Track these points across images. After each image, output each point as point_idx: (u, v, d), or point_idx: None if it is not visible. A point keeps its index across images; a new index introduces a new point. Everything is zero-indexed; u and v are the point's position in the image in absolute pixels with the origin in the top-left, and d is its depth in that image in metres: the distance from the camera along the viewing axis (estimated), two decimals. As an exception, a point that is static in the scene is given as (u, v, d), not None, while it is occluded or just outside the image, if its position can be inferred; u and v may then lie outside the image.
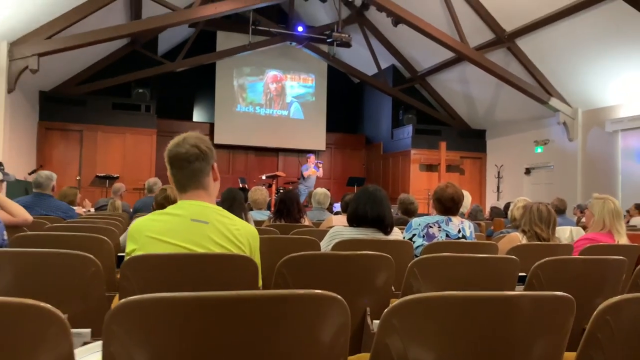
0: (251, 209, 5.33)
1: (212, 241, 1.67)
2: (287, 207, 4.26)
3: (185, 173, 1.72)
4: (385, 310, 1.02)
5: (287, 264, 1.77)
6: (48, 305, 0.88)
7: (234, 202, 3.73)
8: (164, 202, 3.46)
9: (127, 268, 1.62)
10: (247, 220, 4.05)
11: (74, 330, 1.59)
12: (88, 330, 1.50)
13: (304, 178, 11.34)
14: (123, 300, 0.94)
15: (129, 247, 1.71)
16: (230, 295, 0.95)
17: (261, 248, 1.93)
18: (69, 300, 1.69)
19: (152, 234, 1.67)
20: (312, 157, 11.69)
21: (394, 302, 1.05)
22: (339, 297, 1.00)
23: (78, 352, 1.26)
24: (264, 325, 0.98)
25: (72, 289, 1.70)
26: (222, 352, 0.97)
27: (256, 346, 0.98)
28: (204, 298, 0.94)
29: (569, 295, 1.11)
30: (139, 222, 1.73)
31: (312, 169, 11.34)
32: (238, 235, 1.73)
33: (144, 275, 1.59)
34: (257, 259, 1.77)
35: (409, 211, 4.92)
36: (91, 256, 1.69)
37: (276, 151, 14.31)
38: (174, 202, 1.80)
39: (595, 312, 1.16)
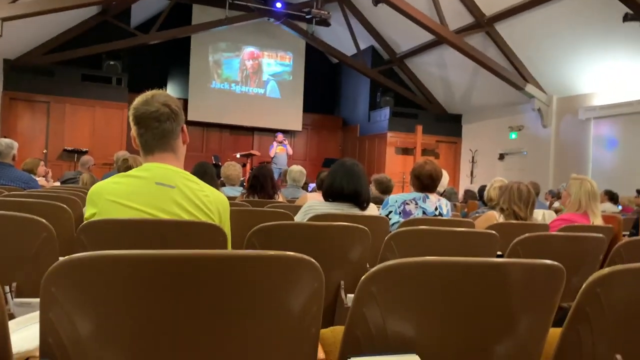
0: (224, 185, 5.21)
1: (177, 207, 1.56)
2: (261, 183, 4.18)
3: (155, 133, 1.60)
4: (363, 276, 0.93)
5: (258, 233, 1.68)
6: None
7: (205, 175, 3.64)
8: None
9: (83, 233, 1.49)
10: None
11: (20, 300, 1.46)
12: (37, 300, 1.37)
13: (272, 159, 11.37)
14: (64, 258, 0.82)
15: (88, 212, 1.59)
16: (188, 254, 0.84)
17: (232, 220, 1.85)
18: (17, 267, 1.55)
19: (112, 197, 1.55)
20: (280, 136, 11.64)
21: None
22: (312, 260, 0.91)
23: (19, 321, 1.13)
24: (226, 289, 0.87)
25: (21, 255, 1.56)
26: (178, 319, 0.86)
27: (218, 312, 0.88)
28: (157, 257, 0.83)
29: (560, 265, 1.04)
30: (98, 185, 1.61)
31: (280, 147, 11.37)
32: (207, 202, 1.62)
33: (100, 242, 1.47)
34: (227, 229, 1.67)
35: (386, 189, 4.87)
36: (42, 220, 1.55)
37: (251, 130, 14.11)
38: None
39: (584, 285, 1.08)
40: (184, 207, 1.57)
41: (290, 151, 11.79)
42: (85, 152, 10.22)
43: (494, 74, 9.98)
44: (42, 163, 5.81)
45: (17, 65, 10.29)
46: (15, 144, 4.34)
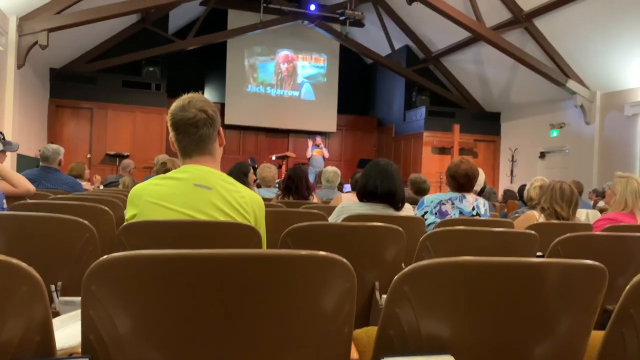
0: (259, 186, 5.27)
1: (215, 208, 1.59)
2: (296, 184, 4.22)
3: (193, 139, 1.63)
4: (397, 275, 0.92)
5: (292, 234, 1.70)
6: (18, 262, 0.78)
7: (241, 175, 3.69)
8: (165, 175, 3.46)
9: (123, 234, 1.54)
10: None
11: (65, 298, 1.52)
12: (79, 298, 1.42)
13: (308, 161, 11.55)
14: (103, 257, 0.84)
15: (129, 213, 1.63)
16: (224, 253, 0.86)
17: (267, 221, 1.87)
18: (62, 267, 1.61)
19: (152, 198, 1.59)
20: (318, 139, 11.87)
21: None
22: (343, 260, 0.91)
23: (63, 319, 1.18)
24: (259, 288, 0.88)
25: (65, 255, 1.62)
26: (213, 317, 0.87)
27: (251, 310, 0.89)
28: (193, 256, 0.85)
29: (602, 265, 1.00)
30: (139, 187, 1.65)
31: (317, 149, 11.57)
32: (243, 203, 1.64)
33: (139, 242, 1.51)
34: (262, 230, 1.69)
35: (421, 190, 4.81)
36: (85, 221, 1.61)
37: (287, 132, 14.21)
38: None
39: (628, 286, 1.04)
40: (221, 208, 1.59)
41: (327, 154, 11.91)
42: (127, 156, 10.54)
43: (534, 71, 9.72)
44: (87, 168, 6.02)
45: (62, 74, 10.71)
46: (62, 150, 4.52)
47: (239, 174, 3.83)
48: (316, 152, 11.68)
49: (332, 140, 14.73)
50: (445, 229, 1.94)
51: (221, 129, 1.72)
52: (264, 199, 4.44)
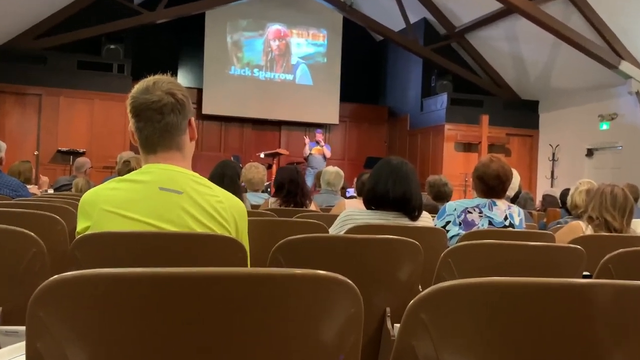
0: (245, 191, 5.28)
1: (187, 216, 1.59)
2: (287, 189, 4.25)
3: (157, 128, 1.63)
4: (412, 300, 0.92)
5: (284, 249, 1.71)
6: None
7: (223, 178, 3.71)
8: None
9: (78, 249, 1.54)
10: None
11: (6, 328, 1.52)
12: (24, 327, 1.42)
13: (306, 160, 11.63)
14: (54, 277, 0.84)
15: (80, 225, 1.63)
16: (200, 272, 0.85)
17: (254, 233, 1.89)
18: (3, 289, 1.61)
19: (109, 206, 1.59)
20: (319, 134, 11.96)
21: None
22: (348, 280, 0.91)
23: (4, 353, 1.17)
24: (245, 314, 0.88)
25: (7, 275, 1.61)
26: (188, 349, 0.87)
27: (234, 341, 0.89)
28: (163, 276, 0.85)
29: (663, 287, 1.00)
30: (92, 192, 1.65)
31: (318, 147, 11.65)
32: (221, 209, 1.65)
33: (97, 259, 1.52)
34: (245, 242, 1.69)
35: (442, 195, 4.83)
36: (31, 233, 1.61)
37: (278, 125, 14.25)
38: None
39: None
40: (194, 217, 1.60)
41: (329, 152, 11.97)
42: (82, 154, 10.53)
43: (579, 50, 9.74)
44: (32, 167, 6.01)
45: (4, 52, 10.71)
46: (3, 145, 4.52)
47: (227, 178, 3.82)
48: (315, 151, 11.75)
49: (334, 134, 14.76)
50: (471, 242, 1.94)
51: (193, 119, 1.73)
52: (252, 207, 4.50)
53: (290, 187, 4.26)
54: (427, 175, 12.05)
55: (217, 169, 4.05)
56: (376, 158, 12.08)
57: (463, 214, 2.98)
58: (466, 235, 2.60)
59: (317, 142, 11.91)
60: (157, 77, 1.67)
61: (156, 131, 1.63)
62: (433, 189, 4.89)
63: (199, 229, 1.60)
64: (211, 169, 4.14)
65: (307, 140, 11.96)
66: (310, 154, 11.79)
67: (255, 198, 4.92)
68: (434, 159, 12.84)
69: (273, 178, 9.81)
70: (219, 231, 1.63)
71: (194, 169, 1.72)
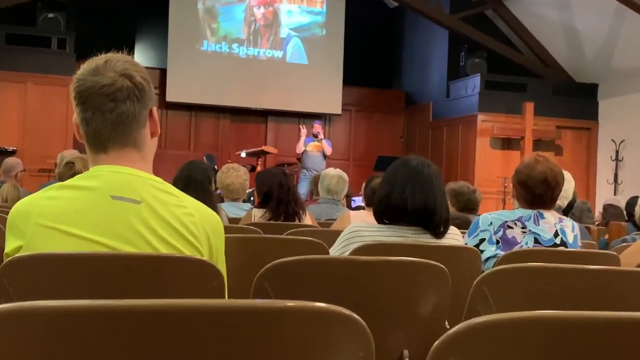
0: (222, 200, 5.28)
1: (146, 233, 1.59)
2: (279, 196, 4.25)
3: (109, 119, 1.63)
4: (437, 341, 0.92)
5: (272, 274, 1.71)
6: None
7: (189, 183, 3.73)
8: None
9: (6, 276, 1.53)
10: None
11: None
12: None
13: (299, 160, 11.72)
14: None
15: (9, 245, 1.63)
16: (166, 305, 0.85)
17: (233, 254, 1.91)
18: None
19: (46, 220, 1.58)
20: (317, 126, 11.98)
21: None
22: (354, 315, 0.91)
23: None
24: (224, 357, 0.88)
25: None
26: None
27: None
28: (119, 309, 0.85)
29: None
30: (24, 203, 1.65)
31: (316, 142, 11.69)
32: (190, 224, 1.65)
33: (31, 289, 1.51)
34: (221, 266, 1.69)
35: (469, 205, 4.83)
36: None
37: (264, 115, 14.28)
38: None
39: None
40: (156, 233, 1.59)
41: (329, 149, 11.95)
42: (12, 153, 10.50)
43: (649, 19, 9.77)
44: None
45: None
46: None
47: (194, 183, 3.83)
48: (313, 147, 11.75)
49: (336, 127, 14.80)
50: (512, 266, 1.95)
51: (155, 109, 1.73)
52: (230, 220, 4.49)
53: (281, 194, 4.28)
54: (456, 179, 12.05)
55: (181, 171, 4.06)
56: (390, 158, 12.05)
57: (501, 229, 2.98)
58: (506, 257, 2.60)
59: (315, 136, 11.91)
60: (110, 55, 1.67)
61: (108, 123, 1.63)
62: (459, 197, 4.88)
63: (162, 249, 1.60)
64: (177, 172, 4.15)
65: (303, 133, 11.99)
66: (305, 151, 11.78)
67: (235, 209, 4.92)
68: (463, 159, 12.87)
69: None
70: (187, 252, 1.63)
71: (155, 172, 1.73)
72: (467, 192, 4.94)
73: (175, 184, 3.72)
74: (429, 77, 14.42)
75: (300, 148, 11.85)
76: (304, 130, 12.00)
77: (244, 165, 5.98)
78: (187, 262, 1.59)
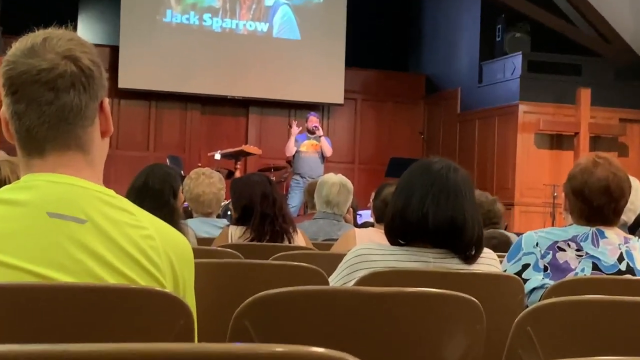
0: (190, 216, 5.27)
1: (91, 260, 1.58)
2: (262, 210, 4.25)
3: (47, 114, 1.63)
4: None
5: (255, 310, 1.71)
6: None
7: (145, 194, 3.73)
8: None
9: None
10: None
11: None
12: None
13: (290, 164, 11.86)
14: None
15: None
16: (121, 350, 0.85)
17: (206, 285, 1.94)
18: None
19: (-39, 244, 1.58)
20: (313, 118, 11.87)
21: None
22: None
23: None
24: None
25: None
26: None
27: None
28: (59, 355, 0.84)
29: None
30: None
31: (312, 141, 11.66)
32: (149, 248, 1.64)
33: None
34: (189, 299, 1.69)
35: (490, 218, 4.84)
36: None
37: (244, 105, 14.31)
38: None
39: None
40: (105, 260, 1.58)
41: (329, 149, 11.86)
42: None
43: None
44: None
45: None
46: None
47: (151, 194, 3.82)
48: (308, 147, 11.69)
49: (337, 120, 14.84)
50: (565, 299, 1.95)
51: (107, 101, 1.72)
52: (201, 241, 4.47)
53: (264, 208, 4.27)
54: (491, 188, 12.09)
55: (137, 179, 4.04)
56: (406, 160, 12.04)
57: (551, 251, 2.97)
58: (556, 288, 2.59)
59: (311, 133, 11.86)
60: (49, 31, 1.66)
61: (45, 119, 1.62)
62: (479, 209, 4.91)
63: (111, 280, 1.59)
64: (134, 174, 4.15)
65: (294, 128, 11.92)
66: (297, 152, 11.74)
67: (206, 227, 4.91)
68: (501, 162, 12.92)
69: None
70: (145, 283, 1.62)
71: (104, 180, 1.72)
72: (486, 203, 4.94)
73: (129, 196, 3.71)
74: (456, 56, 14.47)
75: (291, 149, 11.74)
76: (295, 127, 11.93)
77: (218, 170, 5.96)
78: (144, 296, 1.58)
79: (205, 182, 5.12)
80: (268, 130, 14.20)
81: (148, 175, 4.02)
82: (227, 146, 12.24)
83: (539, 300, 2.54)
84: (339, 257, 2.93)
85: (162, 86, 13.57)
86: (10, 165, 4.05)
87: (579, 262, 2.95)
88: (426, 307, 1.86)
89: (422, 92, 15.27)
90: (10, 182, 1.73)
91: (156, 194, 3.87)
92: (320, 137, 11.89)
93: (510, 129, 12.71)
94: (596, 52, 13.13)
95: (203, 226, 4.90)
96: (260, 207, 4.27)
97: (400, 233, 2.68)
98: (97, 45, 1.68)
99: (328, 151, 11.92)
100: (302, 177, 11.37)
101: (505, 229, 10.48)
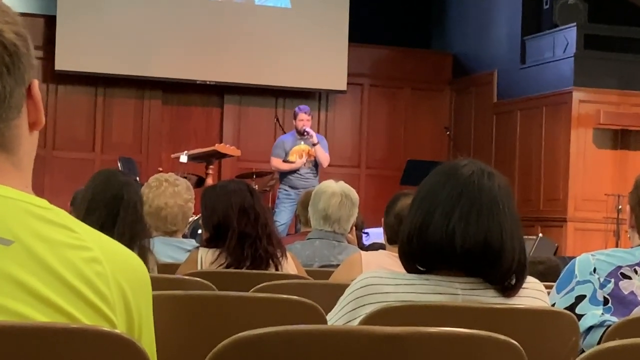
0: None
1: (19, 290, 1.58)
2: (241, 229, 4.25)
3: None
4: None
5: (232, 355, 1.70)
6: None
7: (118, 209, 3.74)
8: None
9: None
10: (143, 260, 4.03)
11: None
12: None
13: (283, 175, 11.87)
14: None
15: None
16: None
17: (168, 323, 1.96)
18: None
19: None
20: (303, 114, 11.83)
21: None
22: None
23: None
24: None
25: None
26: None
27: None
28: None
29: None
30: None
31: (303, 144, 11.66)
32: (94, 275, 1.63)
33: None
34: (147, 341, 1.68)
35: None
36: None
37: (219, 92, 14.33)
38: None
39: None
40: (36, 292, 1.58)
41: (327, 158, 11.88)
42: None
43: None
44: None
45: None
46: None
47: (129, 208, 3.84)
48: (298, 153, 11.67)
49: (339, 112, 14.87)
50: (632, 342, 1.94)
51: (37, 83, 1.71)
52: (163, 268, 4.46)
53: (243, 225, 4.28)
54: (537, 198, 12.12)
55: (101, 187, 4.02)
56: (427, 163, 12.05)
57: (612, 279, 2.97)
58: (621, 326, 2.58)
59: (301, 134, 11.90)
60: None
61: None
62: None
63: (44, 318, 1.59)
64: (76, 189, 4.15)
65: (298, 162, 11.79)
66: (286, 162, 11.71)
67: (170, 250, 4.89)
68: (549, 165, 13.01)
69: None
70: (89, 321, 1.62)
71: (36, 189, 1.72)
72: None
73: (75, 205, 3.71)
74: (491, 30, 14.54)
75: (278, 161, 11.78)
76: (300, 160, 11.81)
77: (185, 176, 5.95)
78: (87, 337, 1.57)
79: (169, 191, 5.09)
80: (248, 124, 14.21)
81: (118, 186, 4.00)
82: (196, 146, 12.26)
83: (599, 343, 2.54)
84: (341, 288, 2.93)
85: (111, 68, 13.61)
86: None
87: (650, 292, 2.97)
88: (453, 351, 1.86)
89: (449, 76, 15.32)
90: None
91: (131, 210, 3.87)
92: (316, 144, 11.87)
93: (562, 123, 12.77)
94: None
95: (165, 249, 4.86)
96: (237, 224, 4.28)
97: (419, 257, 2.66)
98: (25, 15, 1.67)
99: (325, 161, 11.98)
100: (293, 189, 11.34)
101: (555, 253, 10.60)
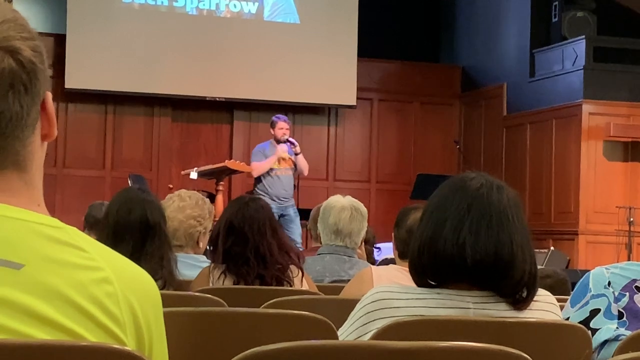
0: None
1: (26, 315, 1.57)
2: (255, 245, 4.25)
3: None
4: None
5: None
6: None
7: (147, 234, 3.80)
8: None
9: None
10: (171, 277, 4.10)
11: None
12: None
13: (259, 181, 11.82)
14: None
15: None
16: None
17: (178, 340, 1.97)
18: None
19: None
20: (282, 123, 11.82)
21: None
22: None
23: None
24: None
25: None
26: None
27: None
28: None
29: None
30: None
31: (283, 153, 11.64)
32: (104, 296, 1.61)
33: None
34: (158, 354, 1.67)
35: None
36: None
37: (229, 108, 14.33)
38: None
39: None
40: (45, 316, 1.56)
41: (306, 167, 12.05)
42: None
43: None
44: None
45: None
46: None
47: (155, 231, 3.87)
48: (281, 163, 11.64)
49: (348, 126, 14.89)
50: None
51: (50, 95, 1.69)
52: (176, 284, 4.45)
53: (259, 242, 4.26)
54: (549, 211, 12.09)
55: (114, 212, 4.03)
56: (437, 177, 12.06)
57: (627, 293, 2.97)
58: (635, 339, 2.56)
59: (278, 142, 11.95)
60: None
61: None
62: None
63: (51, 336, 1.57)
64: (87, 207, 4.14)
65: (280, 147, 11.96)
66: (271, 169, 11.82)
67: (186, 266, 4.87)
68: (560, 178, 13.00)
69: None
70: (98, 338, 1.60)
71: (47, 205, 1.71)
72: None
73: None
74: (500, 43, 14.53)
75: (259, 167, 11.84)
76: (284, 146, 11.94)
77: (197, 193, 5.92)
78: (97, 354, 1.57)
79: (174, 205, 5.08)
80: (258, 140, 14.12)
81: (142, 206, 4.00)
82: (206, 162, 12.27)
83: (613, 357, 2.52)
84: (352, 303, 2.92)
85: (121, 86, 13.65)
86: None
87: (664, 306, 2.95)
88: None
89: (458, 89, 15.32)
90: None
91: (159, 233, 3.89)
92: (298, 154, 11.97)
93: (572, 135, 12.75)
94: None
95: (182, 266, 4.85)
96: (242, 241, 4.28)
97: (429, 271, 2.66)
98: (40, 34, 1.65)
99: (306, 169, 12.10)
100: (274, 199, 11.25)
101: (567, 266, 10.57)
